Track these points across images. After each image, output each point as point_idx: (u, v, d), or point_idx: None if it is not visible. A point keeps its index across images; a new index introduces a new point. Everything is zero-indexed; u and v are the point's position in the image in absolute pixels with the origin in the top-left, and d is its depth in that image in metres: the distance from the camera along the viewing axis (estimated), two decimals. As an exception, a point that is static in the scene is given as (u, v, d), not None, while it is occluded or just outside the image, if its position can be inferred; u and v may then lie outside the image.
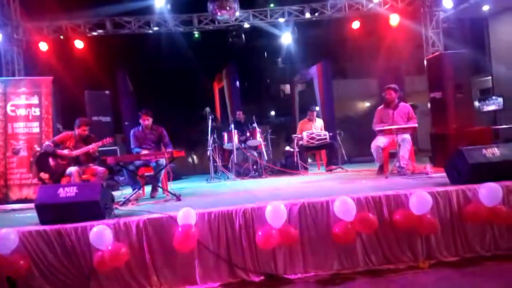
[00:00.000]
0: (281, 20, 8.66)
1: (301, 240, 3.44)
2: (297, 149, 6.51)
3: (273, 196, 4.08)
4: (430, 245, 3.56)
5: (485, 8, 8.97)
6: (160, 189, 4.88)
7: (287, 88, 17.70)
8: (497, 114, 8.37)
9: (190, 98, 13.11)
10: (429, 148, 7.95)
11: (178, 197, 4.39)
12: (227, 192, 4.92)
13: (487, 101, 8.71)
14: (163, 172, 4.75)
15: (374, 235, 3.52)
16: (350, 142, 11.54)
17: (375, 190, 3.85)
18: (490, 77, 9.99)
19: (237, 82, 10.75)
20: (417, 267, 3.47)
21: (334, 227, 3.44)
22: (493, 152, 3.75)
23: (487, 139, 5.54)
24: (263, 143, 6.55)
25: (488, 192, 3.45)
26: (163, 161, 4.69)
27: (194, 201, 4.33)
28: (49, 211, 3.44)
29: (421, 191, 3.53)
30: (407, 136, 5.31)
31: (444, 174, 4.57)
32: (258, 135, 6.56)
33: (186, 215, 3.30)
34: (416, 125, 5.20)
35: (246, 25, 8.51)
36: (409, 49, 9.86)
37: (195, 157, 10.97)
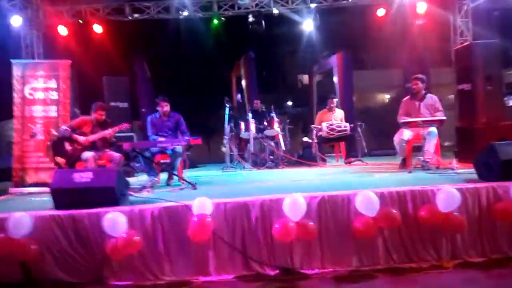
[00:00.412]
0: (303, 6, 8.40)
1: (319, 234, 3.31)
2: (315, 140, 6.34)
3: (291, 188, 3.95)
4: (455, 244, 3.39)
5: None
6: (175, 177, 4.81)
7: (305, 78, 17.43)
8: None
9: (208, 85, 12.99)
10: (452, 143, 7.69)
11: (194, 186, 4.31)
12: (244, 182, 4.82)
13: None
14: (179, 159, 4.68)
15: (397, 231, 3.37)
16: (370, 135, 11.26)
17: (399, 184, 3.68)
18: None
19: (255, 71, 10.56)
20: (441, 266, 3.31)
21: (355, 221, 3.30)
22: (528, 148, 3.52)
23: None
24: (281, 133, 6.39)
25: (522, 191, 3.23)
26: (179, 148, 4.62)
27: (210, 190, 4.24)
28: (64, 196, 3.40)
29: (449, 187, 3.35)
30: (433, 129, 5.08)
31: (472, 170, 4.36)
32: (276, 124, 6.41)
33: (201, 204, 3.21)
34: (445, 117, 4.95)
35: (267, 11, 8.28)
36: (436, 40, 9.48)
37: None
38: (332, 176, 5.01)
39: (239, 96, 12.36)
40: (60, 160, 4.69)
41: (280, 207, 3.25)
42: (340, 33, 12.53)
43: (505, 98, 8.43)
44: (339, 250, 3.36)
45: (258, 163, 6.30)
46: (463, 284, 3.00)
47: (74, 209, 3.28)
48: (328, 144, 6.80)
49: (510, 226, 3.36)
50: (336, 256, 3.36)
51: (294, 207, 3.22)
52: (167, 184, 4.83)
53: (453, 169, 4.70)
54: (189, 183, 4.37)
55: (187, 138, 4.49)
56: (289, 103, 17.95)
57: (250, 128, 6.28)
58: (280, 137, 6.31)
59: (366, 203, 3.27)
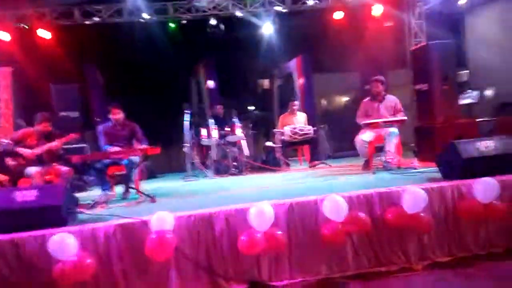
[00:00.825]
0: (262, 10, 8.34)
1: (288, 243, 3.17)
2: (279, 144, 6.24)
3: (257, 196, 3.79)
4: (422, 245, 3.38)
5: (461, 2, 9.00)
6: (133, 190, 4.51)
7: (265, 83, 17.47)
8: (472, 107, 8.39)
9: (166, 92, 12.57)
10: (410, 142, 7.89)
11: (152, 199, 4.05)
12: (206, 193, 4.58)
13: (463, 94, 8.68)
14: (136, 171, 4.39)
15: (365, 235, 3.30)
16: (332, 137, 11.40)
17: (365, 186, 3.63)
18: (466, 71, 10.02)
19: (216, 75, 10.35)
20: (410, 269, 3.27)
21: (323, 227, 3.20)
22: (487, 145, 3.59)
23: (473, 132, 5.42)
24: (244, 138, 6.23)
25: (484, 188, 3.27)
26: (136, 159, 4.33)
27: (170, 202, 4.00)
28: (4, 218, 3.04)
29: (415, 187, 3.32)
30: (394, 129, 5.13)
31: (434, 169, 4.43)
32: (238, 130, 6.24)
33: (160, 219, 2.97)
34: (405, 117, 5.02)
35: (226, 14, 8.14)
36: (391, 42, 9.75)
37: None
38: (297, 181, 4.91)
39: (199, 101, 12.08)
40: (2, 177, 4.25)
41: (246, 217, 3.08)
42: (299, 36, 12.58)
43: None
44: (308, 259, 3.24)
45: (221, 171, 6.10)
46: (434, 285, 2.97)
47: (16, 232, 2.93)
48: (292, 147, 6.73)
49: (474, 224, 3.39)
50: (305, 265, 3.23)
51: (261, 216, 3.06)
52: (123, 198, 4.52)
53: (414, 168, 4.75)
54: (147, 195, 4.10)
55: (143, 147, 4.21)
56: (251, 107, 17.90)
57: (211, 134, 6.07)
58: (243, 142, 6.15)
59: (334, 208, 3.17)
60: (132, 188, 4.38)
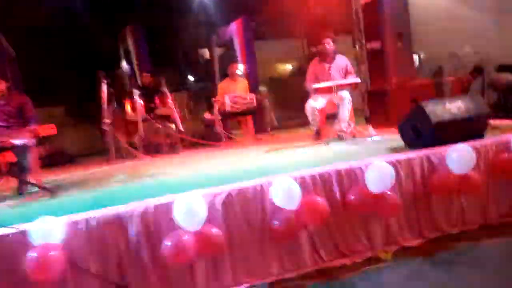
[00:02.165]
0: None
1: (228, 243, 2.46)
2: (219, 116, 5.43)
3: (188, 183, 3.00)
4: (389, 228, 2.84)
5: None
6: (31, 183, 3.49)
7: (206, 52, 16.24)
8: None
9: (91, 61, 11.05)
10: (359, 107, 7.48)
11: (52, 192, 3.10)
12: (124, 182, 3.67)
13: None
14: (29, 157, 3.37)
15: (324, 224, 2.67)
16: (276, 106, 10.81)
17: (319, 162, 2.98)
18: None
19: (145, 42, 9.15)
20: (378, 259, 2.72)
21: (271, 219, 2.52)
22: (458, 106, 3.06)
23: (431, 93, 5.00)
24: (177, 110, 5.32)
25: (459, 157, 2.76)
26: (28, 142, 3.31)
27: (75, 198, 3.08)
28: None
29: (380, 161, 2.72)
30: (346, 94, 4.54)
31: (392, 137, 3.91)
32: (170, 102, 5.32)
33: (44, 228, 2.10)
34: (359, 80, 4.42)
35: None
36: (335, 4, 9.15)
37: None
38: (239, 159, 4.17)
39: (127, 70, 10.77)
40: None
41: (170, 215, 2.30)
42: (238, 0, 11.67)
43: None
44: (255, 259, 2.56)
45: (152, 150, 5.19)
46: (409, 282, 2.42)
47: None
48: (234, 119, 5.94)
49: (447, 199, 2.88)
50: (251, 266, 2.56)
51: (190, 212, 2.30)
52: (20, 193, 3.50)
53: (371, 137, 4.21)
54: (45, 189, 3.14)
55: (32, 127, 3.20)
56: (190, 78, 16.64)
57: (137, 107, 5.09)
58: (177, 116, 5.25)
59: (285, 194, 2.49)
60: (25, 181, 3.37)
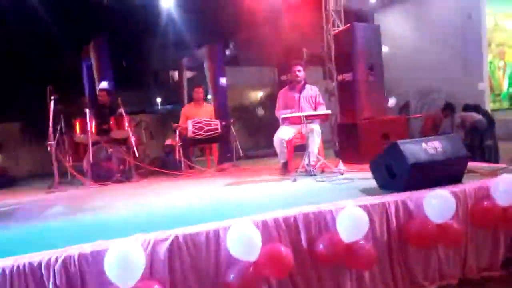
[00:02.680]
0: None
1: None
2: (179, 143, 5.01)
3: (131, 223, 2.56)
4: (361, 281, 2.49)
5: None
6: None
7: (175, 74, 15.85)
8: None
9: (50, 76, 10.36)
10: (330, 140, 7.31)
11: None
12: (62, 215, 3.15)
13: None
14: None
15: (288, 277, 2.30)
16: (245, 134, 10.52)
17: (286, 203, 2.64)
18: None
19: (107, 59, 8.64)
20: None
21: (227, 274, 2.12)
22: (435, 147, 2.82)
23: (402, 129, 4.84)
24: (133, 135, 4.85)
25: (438, 203, 2.49)
26: None
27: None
28: None
29: (352, 206, 2.40)
30: (316, 126, 4.29)
31: (362, 174, 3.67)
32: (126, 124, 4.86)
33: None
34: (329, 111, 4.18)
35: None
36: (309, 33, 9.15)
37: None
38: (195, 193, 3.75)
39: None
40: None
41: (100, 266, 1.86)
42: (211, 24, 11.50)
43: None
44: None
45: (102, 176, 4.66)
46: None
47: None
48: (197, 146, 5.54)
49: (424, 250, 2.59)
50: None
51: (124, 264, 1.86)
52: None
53: (341, 173, 3.93)
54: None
55: None
56: (158, 99, 16.13)
57: (88, 128, 4.59)
58: (133, 140, 4.78)
59: (242, 241, 2.11)
60: None
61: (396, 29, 9.57)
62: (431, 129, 5.99)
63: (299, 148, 4.73)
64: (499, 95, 9.37)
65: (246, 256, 2.11)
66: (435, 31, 9.36)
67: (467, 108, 7.04)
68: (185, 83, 12.37)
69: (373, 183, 3.12)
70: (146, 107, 13.96)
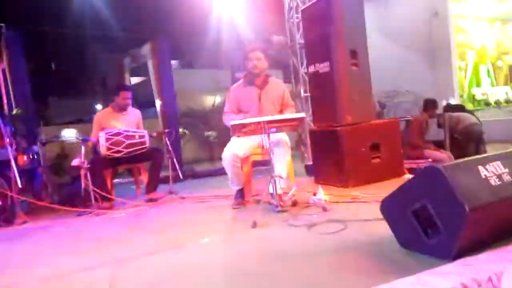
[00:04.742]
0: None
1: None
2: (86, 164, 3.48)
3: None
4: None
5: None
6: None
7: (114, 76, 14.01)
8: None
9: None
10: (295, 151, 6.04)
11: None
12: None
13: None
14: None
15: None
16: (196, 144, 9.11)
17: (244, 271, 1.29)
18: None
19: (22, 53, 6.94)
20: None
21: None
22: (499, 172, 1.59)
23: (396, 138, 3.63)
24: (12, 155, 3.29)
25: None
26: None
27: None
28: None
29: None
30: (283, 136, 2.98)
31: (357, 211, 2.41)
32: (7, 139, 3.30)
33: None
34: (303, 114, 2.85)
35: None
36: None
37: None
38: (99, 248, 2.31)
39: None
40: None
41: None
42: (157, 21, 10.09)
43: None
44: None
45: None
46: None
47: None
48: (119, 166, 4.03)
49: None
50: None
51: None
52: None
53: (324, 209, 2.61)
54: None
55: None
56: (99, 107, 14.14)
57: None
58: (14, 165, 3.22)
59: None
60: None
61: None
62: (420, 136, 4.88)
63: (259, 163, 3.41)
64: (461, 96, 8.83)
65: None
66: (400, 30, 8.64)
67: (450, 108, 6.07)
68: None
69: (383, 233, 1.84)
70: (83, 116, 12.14)
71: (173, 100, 8.32)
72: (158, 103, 8.14)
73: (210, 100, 12.07)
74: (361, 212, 2.46)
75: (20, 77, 7.29)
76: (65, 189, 3.92)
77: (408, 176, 3.66)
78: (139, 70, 11.50)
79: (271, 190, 2.73)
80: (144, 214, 3.31)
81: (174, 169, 4.07)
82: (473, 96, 9.31)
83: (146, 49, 8.88)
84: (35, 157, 4.12)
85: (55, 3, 7.94)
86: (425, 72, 8.76)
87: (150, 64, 8.64)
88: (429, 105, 5.19)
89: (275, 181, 2.69)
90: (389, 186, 3.20)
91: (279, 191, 2.75)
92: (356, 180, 3.34)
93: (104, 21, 8.52)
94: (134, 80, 13.03)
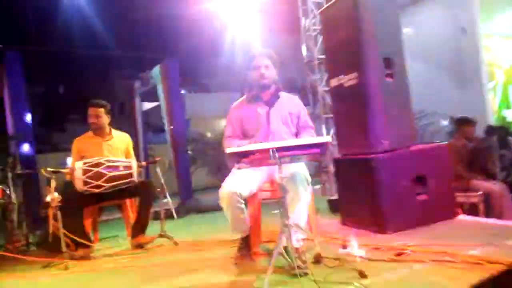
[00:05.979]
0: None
1: None
2: (56, 202, 2.82)
3: None
4: None
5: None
6: None
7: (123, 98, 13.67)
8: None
9: None
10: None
11: None
12: None
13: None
14: None
15: None
16: (206, 170, 8.51)
17: None
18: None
19: (21, 78, 6.59)
20: None
21: None
22: None
23: (447, 167, 2.85)
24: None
25: None
26: None
27: None
28: None
29: None
30: (301, 169, 2.25)
31: (414, 276, 1.61)
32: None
33: None
34: (328, 138, 2.11)
35: None
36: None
37: None
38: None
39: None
40: None
41: None
42: (164, 39, 9.81)
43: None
44: None
45: None
46: None
47: None
48: (94, 205, 3.34)
49: None
50: None
51: None
52: None
53: (362, 275, 1.84)
54: None
55: None
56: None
57: None
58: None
59: None
60: None
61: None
62: (461, 165, 4.04)
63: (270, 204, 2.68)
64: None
65: None
66: (426, 46, 8.00)
67: (492, 131, 5.28)
68: (139, 114, 10.46)
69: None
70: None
71: (182, 120, 7.91)
72: (167, 128, 7.71)
73: (221, 125, 11.50)
74: (416, 279, 1.69)
75: (20, 101, 6.92)
76: (40, 230, 3.26)
77: (463, 217, 2.86)
78: (150, 94, 11.17)
79: (284, 243, 1.99)
80: (119, 268, 2.59)
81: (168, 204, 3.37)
82: (503, 118, 8.61)
83: (156, 71, 8.48)
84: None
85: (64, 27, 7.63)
86: (452, 91, 8.09)
87: (159, 87, 8.23)
88: (464, 125, 4.31)
89: (289, 229, 1.95)
90: (441, 232, 2.42)
91: (296, 245, 2.01)
92: (397, 223, 2.57)
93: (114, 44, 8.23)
94: (148, 105, 12.72)
